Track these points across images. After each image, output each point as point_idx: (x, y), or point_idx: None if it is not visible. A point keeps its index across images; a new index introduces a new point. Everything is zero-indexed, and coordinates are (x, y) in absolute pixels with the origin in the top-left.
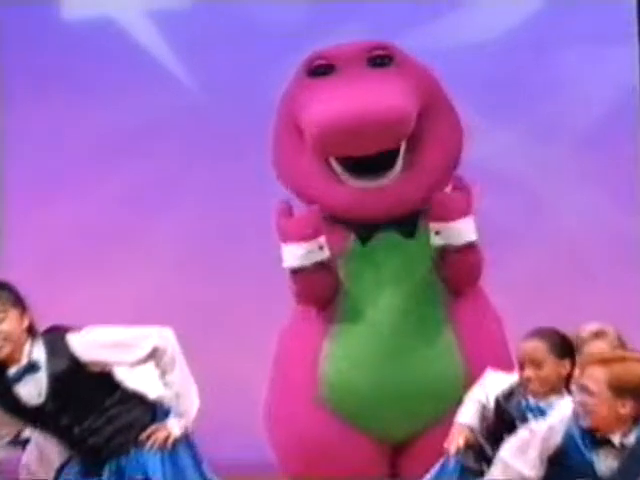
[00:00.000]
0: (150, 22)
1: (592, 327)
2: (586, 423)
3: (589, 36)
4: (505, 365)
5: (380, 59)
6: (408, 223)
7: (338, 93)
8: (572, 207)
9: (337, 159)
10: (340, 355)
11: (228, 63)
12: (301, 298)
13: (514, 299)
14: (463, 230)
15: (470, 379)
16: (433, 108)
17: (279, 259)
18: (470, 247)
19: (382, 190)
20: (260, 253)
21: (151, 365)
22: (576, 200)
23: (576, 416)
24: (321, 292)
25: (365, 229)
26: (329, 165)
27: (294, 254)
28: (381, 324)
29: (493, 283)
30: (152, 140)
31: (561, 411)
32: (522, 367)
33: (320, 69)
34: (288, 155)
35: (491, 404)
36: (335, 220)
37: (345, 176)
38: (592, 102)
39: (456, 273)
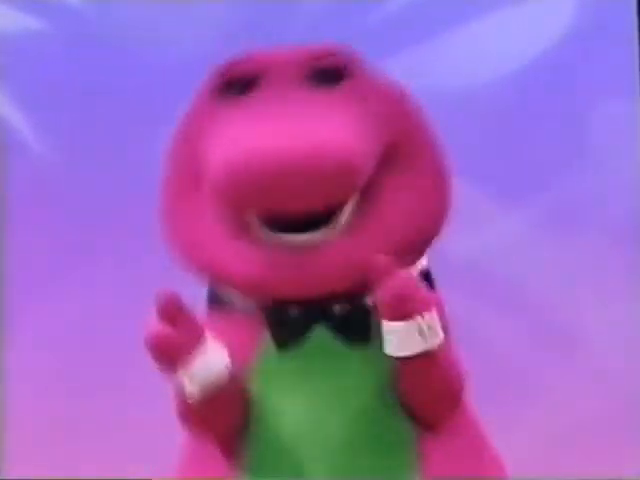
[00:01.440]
0: None
1: None
2: None
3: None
4: None
5: (326, 73)
6: (356, 319)
7: (258, 123)
8: (608, 330)
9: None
10: None
11: (93, 116)
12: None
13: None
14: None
15: None
16: (405, 149)
17: None
18: (438, 355)
19: (315, 251)
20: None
21: None
22: (613, 320)
23: None
24: (226, 420)
25: (285, 324)
26: (240, 218)
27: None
28: (310, 467)
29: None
30: None
31: None
32: None
33: (237, 84)
34: (180, 206)
35: None
36: (240, 307)
37: (262, 231)
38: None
39: (424, 395)
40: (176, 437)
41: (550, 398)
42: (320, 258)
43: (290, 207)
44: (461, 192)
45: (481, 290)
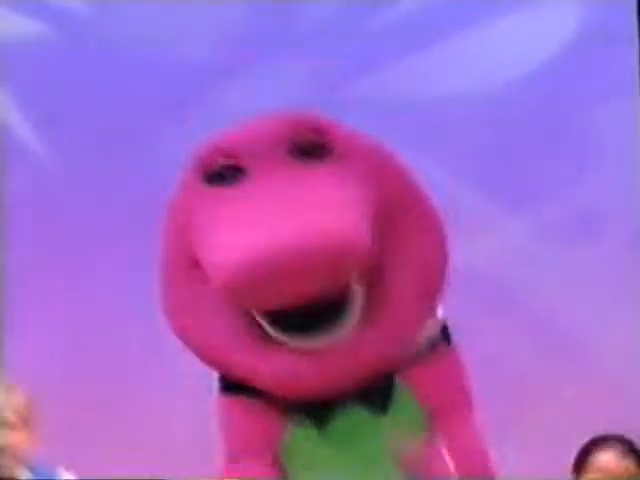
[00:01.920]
0: None
1: None
2: None
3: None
4: None
5: (308, 149)
6: (379, 392)
7: (253, 215)
8: (609, 335)
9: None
10: None
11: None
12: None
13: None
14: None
15: None
16: (397, 213)
17: None
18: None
19: (333, 352)
20: None
21: None
22: (615, 325)
23: None
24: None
25: (320, 408)
26: (249, 315)
27: None
28: None
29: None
30: None
31: None
32: None
33: (222, 174)
34: (183, 298)
35: None
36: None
37: (274, 332)
38: None
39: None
40: (177, 436)
41: (550, 400)
42: (334, 361)
43: (301, 299)
44: (463, 199)
45: (481, 296)
